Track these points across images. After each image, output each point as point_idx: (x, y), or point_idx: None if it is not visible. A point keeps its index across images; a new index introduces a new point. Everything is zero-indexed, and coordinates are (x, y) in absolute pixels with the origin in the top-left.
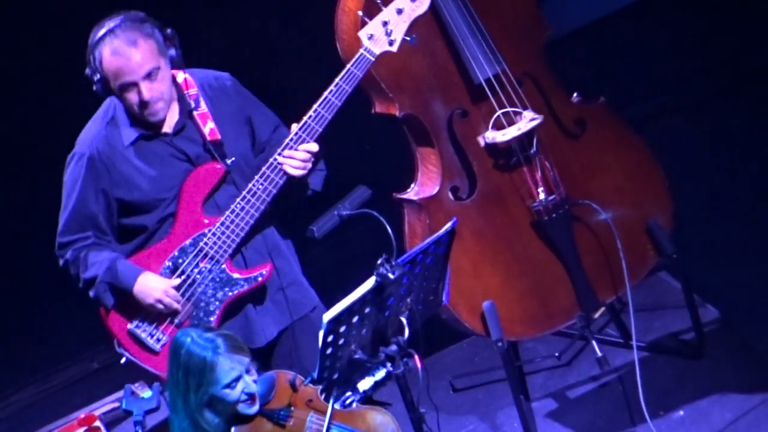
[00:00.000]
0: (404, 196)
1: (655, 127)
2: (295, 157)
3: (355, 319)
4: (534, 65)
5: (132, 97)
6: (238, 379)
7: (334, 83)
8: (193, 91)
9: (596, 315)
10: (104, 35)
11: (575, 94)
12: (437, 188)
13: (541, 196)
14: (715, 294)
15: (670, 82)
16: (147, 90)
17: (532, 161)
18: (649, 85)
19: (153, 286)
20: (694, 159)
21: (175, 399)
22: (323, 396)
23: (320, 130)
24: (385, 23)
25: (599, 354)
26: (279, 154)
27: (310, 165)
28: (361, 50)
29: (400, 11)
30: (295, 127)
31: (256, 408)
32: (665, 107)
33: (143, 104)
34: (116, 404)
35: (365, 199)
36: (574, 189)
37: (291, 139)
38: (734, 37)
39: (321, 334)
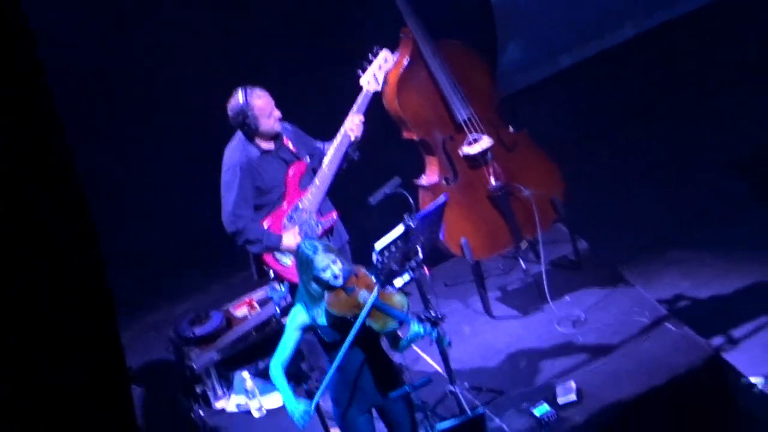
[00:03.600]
0: (420, 182)
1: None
2: (356, 121)
3: (393, 248)
4: (490, 111)
5: (273, 119)
6: (327, 267)
7: (357, 104)
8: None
9: (522, 246)
10: (247, 94)
11: (510, 127)
12: (437, 178)
13: (493, 182)
14: (586, 233)
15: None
16: (277, 113)
17: (488, 163)
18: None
19: (287, 244)
20: (593, 172)
21: (300, 276)
22: (378, 284)
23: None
24: (374, 75)
25: (524, 267)
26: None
27: (362, 128)
28: (366, 90)
29: (380, 67)
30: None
31: (340, 282)
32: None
33: (277, 120)
34: (263, 293)
35: (398, 185)
36: (510, 178)
37: (343, 138)
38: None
39: (374, 256)
